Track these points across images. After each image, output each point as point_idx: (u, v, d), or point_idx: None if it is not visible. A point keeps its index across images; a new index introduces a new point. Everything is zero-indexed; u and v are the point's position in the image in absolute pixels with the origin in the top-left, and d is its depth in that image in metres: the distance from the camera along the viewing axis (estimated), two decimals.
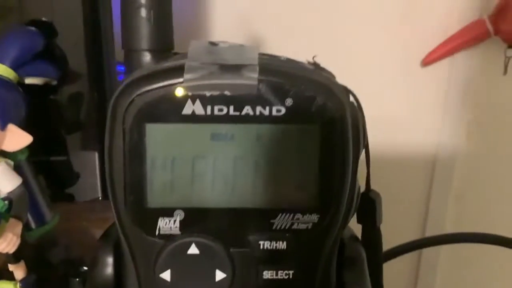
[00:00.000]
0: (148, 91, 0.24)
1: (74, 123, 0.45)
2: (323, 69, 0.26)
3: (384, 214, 0.76)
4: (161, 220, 0.25)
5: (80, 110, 0.45)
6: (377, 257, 0.32)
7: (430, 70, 0.74)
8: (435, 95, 0.76)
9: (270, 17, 0.69)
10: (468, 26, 0.72)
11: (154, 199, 0.25)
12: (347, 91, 0.26)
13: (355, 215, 0.31)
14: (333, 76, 0.27)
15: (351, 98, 0.27)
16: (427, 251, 0.82)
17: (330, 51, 0.69)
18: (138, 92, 0.24)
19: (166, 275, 0.25)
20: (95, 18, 0.42)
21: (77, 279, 0.38)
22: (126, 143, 0.24)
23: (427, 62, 0.74)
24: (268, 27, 0.68)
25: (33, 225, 0.40)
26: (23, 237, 0.36)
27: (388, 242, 0.54)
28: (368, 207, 0.31)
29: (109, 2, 0.43)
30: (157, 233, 0.25)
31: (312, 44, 0.69)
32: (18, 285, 0.38)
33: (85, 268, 0.39)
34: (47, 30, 0.38)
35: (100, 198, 0.46)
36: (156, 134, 0.24)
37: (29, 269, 0.38)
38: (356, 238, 0.30)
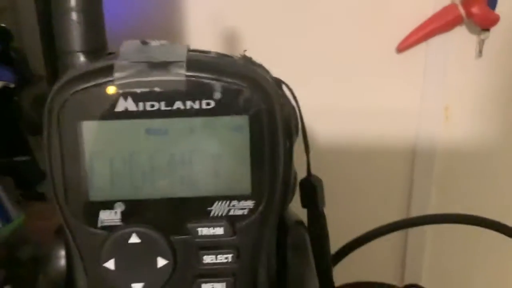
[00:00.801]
0: (80, 90, 0.25)
1: (37, 124, 0.46)
2: (253, 63, 0.27)
3: (367, 204, 0.77)
4: (102, 213, 0.26)
5: (41, 111, 0.46)
6: (322, 239, 0.33)
7: (405, 56, 0.75)
8: (412, 80, 0.76)
9: (243, 13, 0.70)
10: (441, 11, 0.73)
11: (94, 193, 0.26)
12: (278, 83, 0.27)
13: (299, 200, 0.33)
14: (264, 69, 0.28)
15: (285, 89, 0.28)
16: (413, 235, 0.83)
17: (304, 41, 0.70)
18: (71, 91, 0.25)
19: (110, 264, 0.26)
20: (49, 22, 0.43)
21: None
22: (62, 141, 0.25)
23: (402, 48, 0.74)
24: (241, 23, 0.69)
25: None
26: None
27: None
28: (310, 192, 0.32)
29: None
30: (99, 225, 0.26)
31: (285, 36, 0.70)
32: None
33: None
34: (2, 35, 0.39)
35: None
36: (92, 131, 0.25)
37: None
38: (300, 222, 0.31)
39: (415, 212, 0.80)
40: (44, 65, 0.40)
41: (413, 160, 0.80)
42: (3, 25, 0.41)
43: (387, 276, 0.83)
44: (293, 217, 0.31)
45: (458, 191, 0.80)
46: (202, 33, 0.68)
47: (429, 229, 0.81)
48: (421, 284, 0.67)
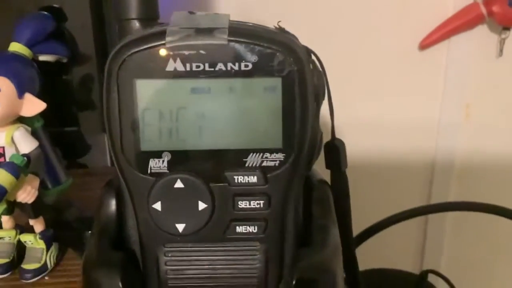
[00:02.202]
0: (136, 51, 0.28)
1: (84, 101, 0.50)
2: (287, 32, 0.31)
3: (388, 199, 0.79)
4: (152, 161, 0.30)
5: (89, 90, 0.50)
6: (344, 197, 0.36)
7: (427, 53, 0.78)
8: (434, 77, 0.79)
9: (270, 5, 0.73)
10: (463, 9, 0.75)
11: (145, 144, 0.30)
12: (308, 51, 0.31)
13: (323, 162, 0.36)
14: (296, 38, 0.31)
15: (313, 57, 0.31)
16: (432, 224, 0.85)
17: (328, 37, 0.73)
18: (128, 53, 0.28)
19: (157, 206, 0.30)
20: (100, 7, 0.48)
21: (90, 232, 0.43)
22: (120, 96, 0.29)
23: (424, 45, 0.77)
24: (268, 15, 0.72)
25: (49, 185, 0.45)
26: (41, 197, 0.41)
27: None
28: (334, 153, 0.35)
29: None
30: (148, 171, 0.30)
31: (309, 30, 0.72)
32: (37, 236, 0.43)
33: None
34: (58, 14, 0.43)
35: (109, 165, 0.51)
36: (145, 88, 0.29)
37: (48, 227, 0.44)
38: (324, 181, 0.35)
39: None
40: (93, 37, 0.44)
41: (434, 156, 0.82)
42: (55, 5, 0.45)
43: (407, 264, 0.85)
44: (318, 176, 0.35)
45: (478, 185, 0.82)
46: None
47: (448, 217, 0.84)
48: (440, 271, 0.69)
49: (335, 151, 0.35)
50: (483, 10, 0.74)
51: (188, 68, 0.28)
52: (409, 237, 0.86)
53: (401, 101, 0.80)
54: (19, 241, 0.44)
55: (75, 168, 0.52)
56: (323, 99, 0.32)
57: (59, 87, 0.47)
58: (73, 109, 0.50)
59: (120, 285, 0.30)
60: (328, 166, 0.36)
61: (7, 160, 0.39)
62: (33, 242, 0.43)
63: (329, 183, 0.36)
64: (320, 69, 0.32)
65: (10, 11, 0.48)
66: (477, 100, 0.80)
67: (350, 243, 0.37)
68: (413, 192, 0.84)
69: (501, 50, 0.78)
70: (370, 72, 0.78)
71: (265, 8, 0.72)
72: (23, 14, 0.42)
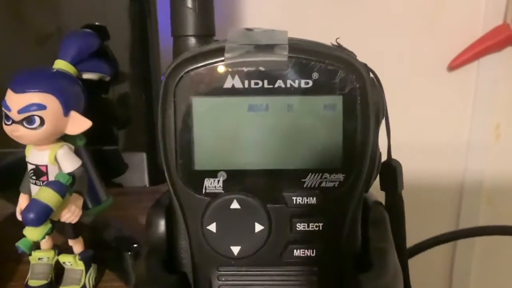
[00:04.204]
0: (194, 69, 0.28)
1: (124, 120, 0.49)
2: (345, 49, 0.30)
3: (415, 222, 0.77)
4: (207, 180, 0.29)
5: (129, 108, 0.49)
6: (400, 220, 0.35)
7: (457, 74, 0.77)
8: (463, 98, 0.78)
9: (298, 25, 0.73)
10: (492, 30, 0.74)
11: (200, 162, 0.29)
12: (367, 68, 0.30)
13: (378, 183, 0.35)
14: (355, 55, 0.30)
15: (371, 75, 0.30)
16: (461, 251, 0.83)
17: (357, 55, 0.73)
18: (186, 70, 0.28)
19: (212, 227, 0.29)
20: (143, 26, 0.47)
21: (129, 253, 0.42)
22: (176, 113, 0.28)
23: (453, 66, 0.76)
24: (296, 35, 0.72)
25: (89, 204, 0.44)
26: (80, 217, 0.40)
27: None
28: (390, 174, 0.34)
29: (155, 13, 0.48)
30: (203, 191, 0.29)
31: None
32: (77, 257, 0.42)
33: (136, 245, 0.43)
34: (101, 33, 0.43)
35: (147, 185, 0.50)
36: (201, 106, 0.28)
37: (86, 247, 0.43)
38: (380, 203, 0.34)
39: (464, 225, 0.81)
40: (136, 56, 0.44)
41: (463, 178, 0.81)
42: (99, 23, 0.44)
43: None
44: (373, 198, 0.33)
45: (508, 208, 0.80)
46: None
47: (477, 242, 0.82)
48: None
49: (391, 172, 0.34)
50: None
51: (246, 85, 0.28)
52: (437, 262, 0.84)
53: (430, 122, 0.79)
54: (57, 262, 0.43)
55: (111, 187, 0.52)
56: (383, 117, 0.31)
57: (100, 105, 0.47)
58: (113, 128, 0.50)
59: None
60: (383, 187, 0.35)
61: (50, 179, 0.38)
62: (72, 263, 0.42)
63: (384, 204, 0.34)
64: (379, 87, 0.31)
65: (51, 30, 0.48)
66: (507, 121, 0.79)
67: (406, 268, 0.36)
68: (442, 214, 0.83)
69: None
70: (399, 93, 0.76)
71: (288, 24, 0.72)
72: (67, 33, 0.42)
